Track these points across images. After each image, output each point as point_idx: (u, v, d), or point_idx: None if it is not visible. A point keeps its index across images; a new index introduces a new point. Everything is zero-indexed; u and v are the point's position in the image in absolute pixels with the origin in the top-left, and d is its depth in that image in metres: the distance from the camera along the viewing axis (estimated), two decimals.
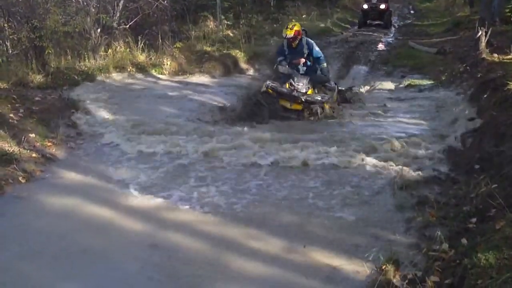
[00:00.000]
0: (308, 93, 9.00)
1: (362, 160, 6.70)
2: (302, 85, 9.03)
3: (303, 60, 9.35)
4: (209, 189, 5.93)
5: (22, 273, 4.23)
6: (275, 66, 9.57)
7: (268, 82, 9.04)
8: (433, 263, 4.00)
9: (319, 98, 8.97)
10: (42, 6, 11.45)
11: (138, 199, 5.71)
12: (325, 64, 9.57)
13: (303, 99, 8.85)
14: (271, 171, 6.54)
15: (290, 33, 9.21)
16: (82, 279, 4.17)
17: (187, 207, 5.49)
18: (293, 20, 21.87)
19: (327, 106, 9.03)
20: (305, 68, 9.38)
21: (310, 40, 9.55)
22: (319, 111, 8.88)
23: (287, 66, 9.37)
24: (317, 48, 9.47)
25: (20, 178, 6.08)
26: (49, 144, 7.20)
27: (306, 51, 9.41)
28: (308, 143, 7.32)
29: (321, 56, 9.46)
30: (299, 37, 9.34)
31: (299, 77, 9.15)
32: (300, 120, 8.88)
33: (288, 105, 8.94)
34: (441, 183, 5.92)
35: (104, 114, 8.94)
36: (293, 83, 9.02)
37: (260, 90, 9.15)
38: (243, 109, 9.10)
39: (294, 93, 8.87)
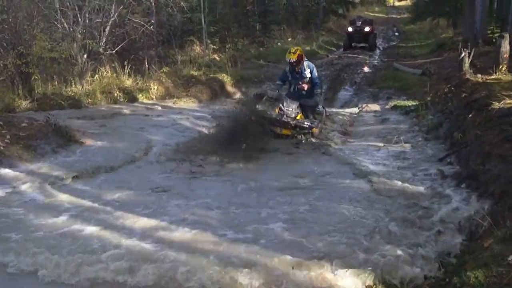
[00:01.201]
0: (297, 118, 8.98)
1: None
2: (291, 110, 8.98)
3: (305, 86, 9.31)
4: None
5: None
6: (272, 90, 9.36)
7: (258, 107, 8.85)
8: (423, 282, 4.01)
9: (309, 124, 8.95)
10: (28, 32, 11.46)
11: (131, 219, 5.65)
12: (319, 90, 9.52)
13: (292, 124, 8.84)
14: None
15: (293, 58, 9.10)
16: None
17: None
18: (279, 43, 22.23)
19: (316, 131, 9.03)
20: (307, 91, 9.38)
21: (311, 63, 9.47)
22: (303, 138, 8.87)
23: (277, 91, 9.39)
24: (316, 72, 9.42)
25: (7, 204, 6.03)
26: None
27: (308, 75, 9.32)
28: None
29: (318, 81, 9.41)
30: (302, 61, 9.28)
31: (288, 101, 9.09)
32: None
33: (277, 130, 8.86)
34: None
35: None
36: (283, 108, 8.96)
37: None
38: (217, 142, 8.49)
39: (284, 118, 8.79)
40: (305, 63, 9.31)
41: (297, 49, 9.34)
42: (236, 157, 7.75)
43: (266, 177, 7.07)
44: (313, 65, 9.44)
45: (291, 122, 8.81)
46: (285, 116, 8.82)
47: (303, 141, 8.80)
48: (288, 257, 4.53)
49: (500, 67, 10.52)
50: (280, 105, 9.01)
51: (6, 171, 7.01)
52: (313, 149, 8.52)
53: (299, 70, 9.29)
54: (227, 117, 8.89)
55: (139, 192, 6.49)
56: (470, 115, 8.02)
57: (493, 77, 10.19)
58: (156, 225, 5.40)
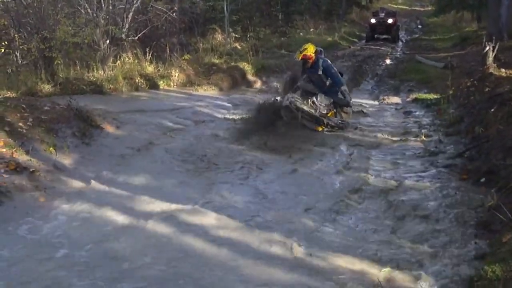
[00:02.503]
0: (328, 115, 9.02)
1: None
2: (324, 106, 9.02)
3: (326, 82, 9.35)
4: None
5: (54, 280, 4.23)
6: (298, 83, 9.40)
7: (291, 96, 8.76)
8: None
9: (340, 124, 9.03)
10: (53, 17, 11.55)
11: (155, 204, 5.75)
12: (344, 87, 9.46)
13: (325, 122, 8.87)
14: None
15: (298, 57, 9.23)
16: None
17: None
18: (301, 33, 22.13)
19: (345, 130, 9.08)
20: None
21: (327, 61, 9.39)
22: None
23: (311, 84, 9.35)
24: (333, 70, 9.34)
25: (30, 187, 6.11)
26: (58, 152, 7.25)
27: (320, 72, 9.25)
28: None
29: (338, 79, 9.35)
30: (310, 60, 9.21)
31: (322, 97, 9.09)
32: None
33: (309, 124, 8.92)
34: None
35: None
36: (316, 102, 8.98)
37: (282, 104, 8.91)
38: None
39: (317, 113, 8.82)
40: (320, 61, 9.27)
41: (305, 49, 9.21)
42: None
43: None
44: (329, 64, 9.34)
45: (324, 120, 8.84)
46: (318, 111, 8.85)
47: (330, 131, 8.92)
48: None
49: None
50: (314, 98, 9.00)
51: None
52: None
53: (312, 67, 9.24)
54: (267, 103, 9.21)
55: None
56: (492, 110, 7.94)
57: None
58: None
